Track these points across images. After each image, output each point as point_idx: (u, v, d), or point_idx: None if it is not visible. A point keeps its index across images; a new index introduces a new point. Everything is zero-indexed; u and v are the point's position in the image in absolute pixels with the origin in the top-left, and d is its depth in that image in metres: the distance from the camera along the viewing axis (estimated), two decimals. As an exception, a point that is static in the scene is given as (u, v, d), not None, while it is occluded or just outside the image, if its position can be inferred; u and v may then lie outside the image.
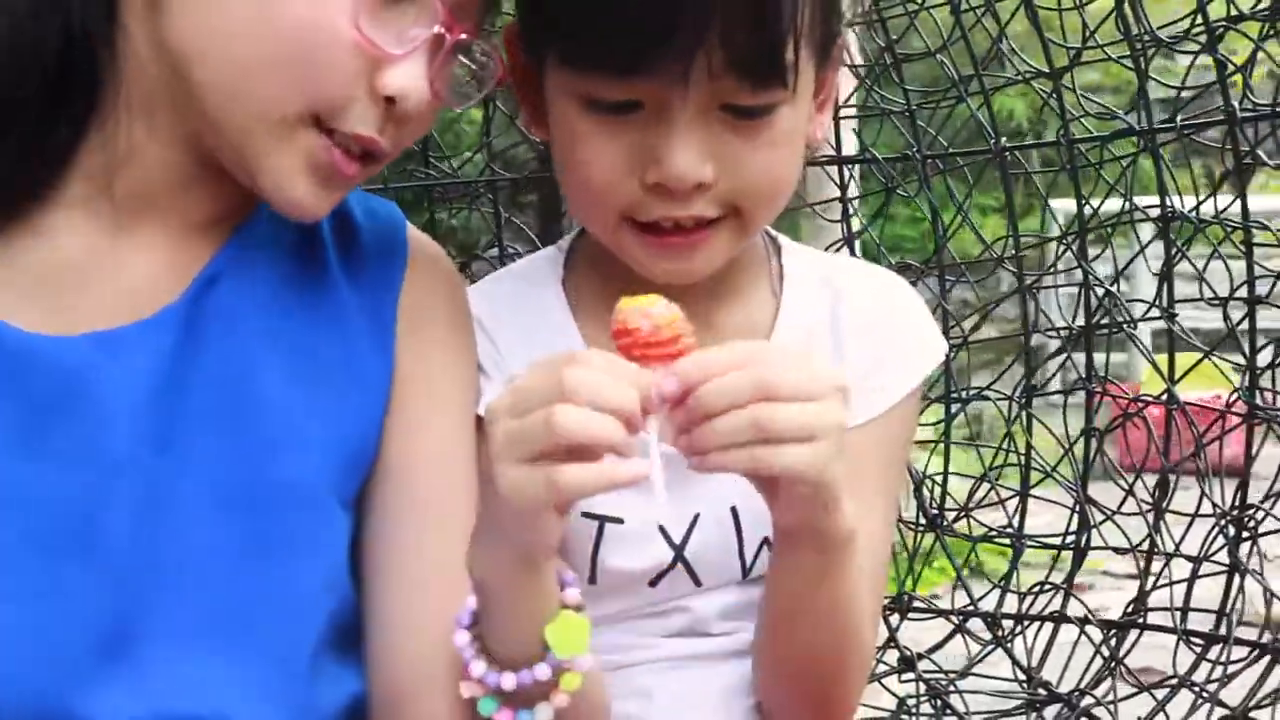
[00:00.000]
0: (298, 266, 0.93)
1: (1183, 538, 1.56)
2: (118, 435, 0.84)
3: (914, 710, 1.65)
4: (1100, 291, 1.57)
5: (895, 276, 1.13)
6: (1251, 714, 1.42)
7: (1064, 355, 1.61)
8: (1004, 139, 1.58)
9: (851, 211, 1.78)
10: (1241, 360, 1.43)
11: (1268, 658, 1.44)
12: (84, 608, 0.82)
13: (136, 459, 0.84)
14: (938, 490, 1.75)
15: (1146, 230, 1.51)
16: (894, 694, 1.70)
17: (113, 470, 0.83)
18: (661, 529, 1.01)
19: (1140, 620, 1.56)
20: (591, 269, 1.06)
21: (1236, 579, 1.48)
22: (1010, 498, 1.69)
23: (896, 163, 1.72)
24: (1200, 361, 1.52)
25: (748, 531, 1.01)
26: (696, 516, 1.01)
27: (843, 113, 1.73)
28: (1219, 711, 1.43)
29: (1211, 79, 1.36)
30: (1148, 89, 1.45)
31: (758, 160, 0.92)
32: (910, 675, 1.69)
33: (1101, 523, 1.61)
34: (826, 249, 1.80)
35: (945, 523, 1.74)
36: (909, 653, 1.71)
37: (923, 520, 1.76)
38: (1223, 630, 1.49)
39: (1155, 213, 1.49)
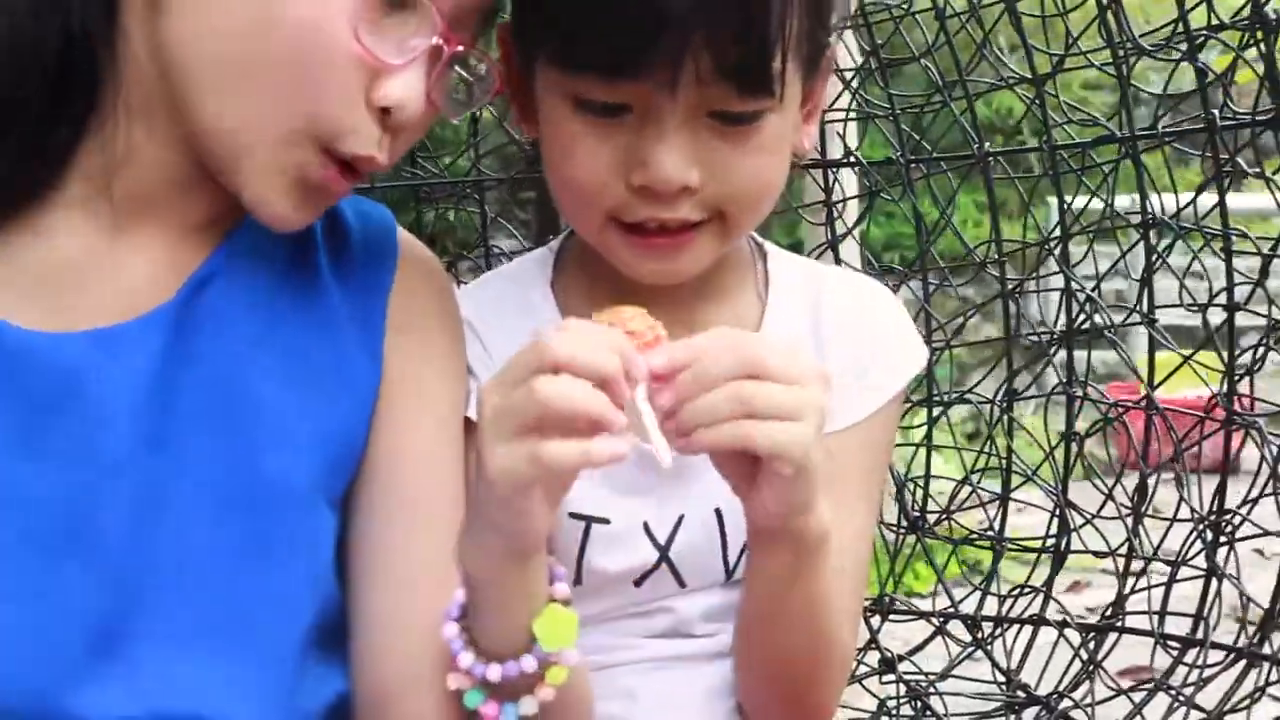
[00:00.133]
0: (290, 268, 0.93)
1: (1161, 541, 1.57)
2: (114, 434, 0.84)
3: (894, 712, 1.66)
4: (1083, 296, 1.58)
5: (877, 284, 1.14)
6: (1227, 717, 1.43)
7: (1045, 359, 1.62)
8: (988, 143, 1.59)
9: (837, 215, 1.78)
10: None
11: (1244, 661, 1.45)
12: (79, 607, 0.82)
13: (132, 458, 0.84)
14: (920, 493, 1.76)
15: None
16: (874, 695, 1.71)
17: (109, 469, 0.84)
18: (647, 530, 1.01)
19: (1119, 623, 1.57)
20: (580, 270, 1.06)
21: (1214, 583, 1.49)
22: (991, 501, 1.70)
23: (881, 166, 1.73)
24: (1180, 366, 1.53)
25: (731, 533, 1.02)
26: (681, 518, 1.02)
27: (828, 116, 1.74)
28: (1195, 715, 1.44)
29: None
30: (1129, 96, 1.46)
31: (743, 166, 0.93)
32: (891, 677, 1.70)
33: (1081, 526, 1.62)
34: (821, 248, 1.81)
35: (926, 525, 1.75)
36: (890, 654, 1.72)
37: (904, 523, 1.77)
38: (1200, 634, 1.50)
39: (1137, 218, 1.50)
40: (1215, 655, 1.48)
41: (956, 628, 1.72)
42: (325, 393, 0.92)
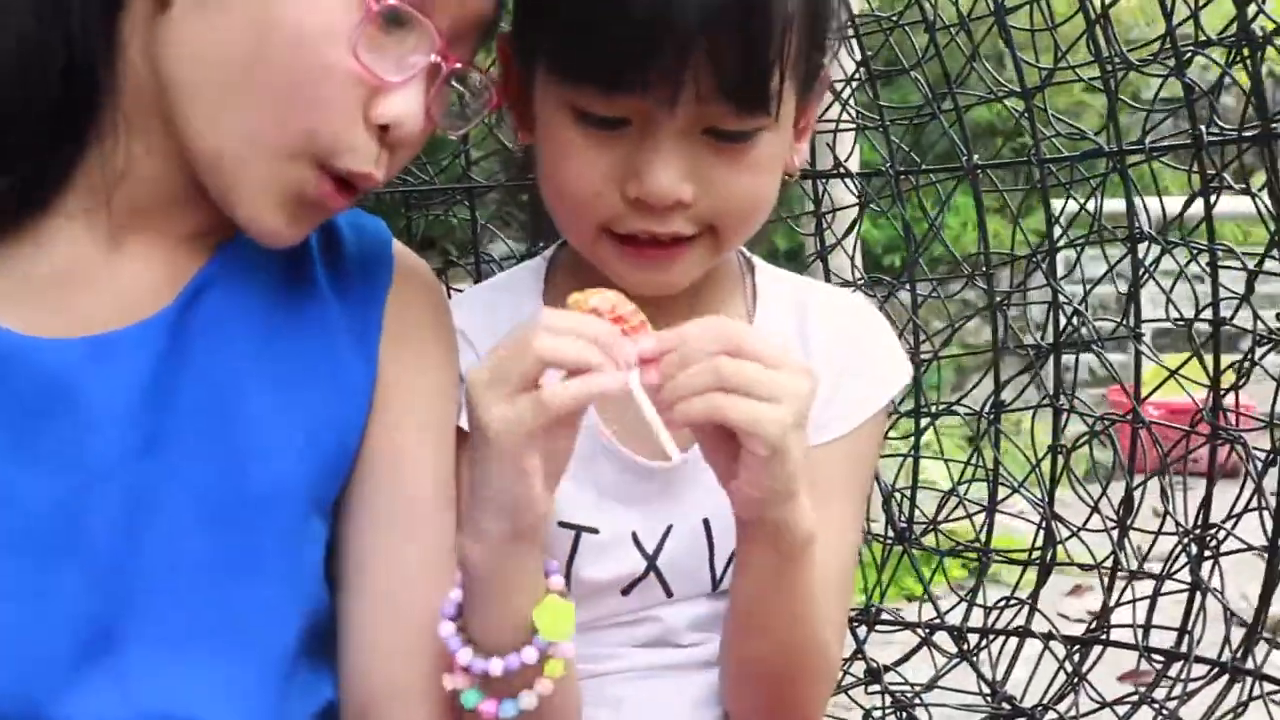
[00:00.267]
0: (285, 278, 0.93)
1: (1146, 554, 1.57)
2: (104, 439, 0.84)
3: (879, 722, 1.66)
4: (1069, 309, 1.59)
5: (863, 300, 1.15)
6: (1210, 731, 1.44)
7: (1032, 371, 1.62)
8: (988, 146, 1.59)
9: (826, 225, 1.79)
10: (1236, 357, 1.44)
11: (1227, 676, 1.45)
12: (68, 610, 0.82)
13: (122, 463, 0.84)
14: (907, 504, 1.76)
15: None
16: (860, 705, 1.71)
17: (98, 474, 0.84)
18: (635, 539, 1.02)
19: (1103, 636, 1.58)
20: (572, 280, 1.07)
21: (1198, 597, 1.50)
22: (977, 513, 1.71)
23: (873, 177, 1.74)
24: (1166, 380, 1.53)
25: (719, 543, 1.02)
26: (670, 527, 1.02)
27: (818, 126, 1.74)
28: (1179, 728, 1.44)
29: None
30: (1117, 110, 1.46)
31: (737, 183, 0.94)
32: (876, 687, 1.70)
33: (1067, 539, 1.62)
34: (811, 259, 1.81)
35: (913, 536, 1.75)
36: (875, 665, 1.72)
37: (891, 534, 1.77)
38: (1184, 648, 1.50)
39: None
40: (1199, 669, 1.48)
41: (943, 639, 1.72)
42: (319, 401, 0.92)
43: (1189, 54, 1.37)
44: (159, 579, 0.85)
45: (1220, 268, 1.41)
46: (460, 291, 1.18)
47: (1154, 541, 1.55)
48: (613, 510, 1.01)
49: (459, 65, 0.88)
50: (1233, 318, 1.41)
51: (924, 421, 1.74)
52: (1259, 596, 1.43)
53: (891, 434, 1.79)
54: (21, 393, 0.83)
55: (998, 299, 1.63)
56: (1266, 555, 1.40)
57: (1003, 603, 1.67)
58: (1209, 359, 1.45)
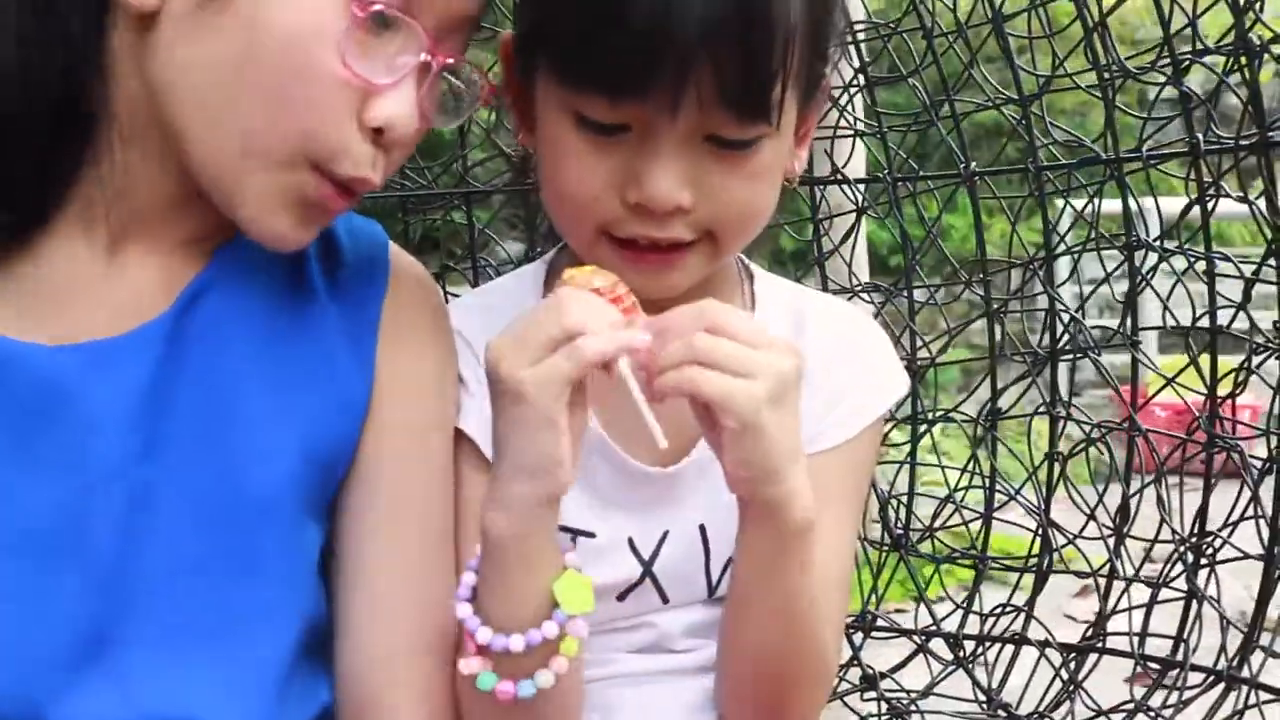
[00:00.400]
0: (281, 282, 0.94)
1: (1143, 561, 1.57)
2: (104, 444, 0.84)
3: (875, 729, 1.66)
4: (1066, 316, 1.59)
5: (861, 311, 1.15)
6: (1207, 739, 1.44)
7: (1029, 379, 1.62)
8: (991, 147, 1.59)
9: (824, 231, 1.79)
10: (1241, 356, 1.44)
11: (1223, 684, 1.45)
12: (65, 611, 0.83)
13: (122, 467, 0.85)
14: (903, 511, 1.76)
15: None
16: (856, 712, 1.71)
17: (98, 478, 0.84)
18: (631, 545, 1.02)
19: (1099, 644, 1.58)
20: None
21: (1194, 605, 1.50)
22: (974, 520, 1.70)
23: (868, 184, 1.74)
24: (1164, 388, 1.53)
25: (715, 550, 1.02)
26: (666, 533, 1.02)
27: (815, 133, 1.74)
28: (1176, 736, 1.44)
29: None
30: (1115, 118, 1.46)
31: (736, 191, 0.94)
32: (872, 694, 1.70)
33: (1063, 546, 1.62)
34: (810, 264, 1.81)
35: (909, 543, 1.75)
36: (871, 671, 1.72)
37: (887, 540, 1.77)
38: (1179, 656, 1.50)
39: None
40: (1195, 677, 1.48)
41: (939, 645, 1.72)
42: (315, 403, 0.92)
43: (1187, 62, 1.37)
44: (158, 581, 0.85)
45: (1218, 276, 1.41)
46: (457, 296, 1.18)
47: (1149, 549, 1.55)
48: (610, 515, 1.01)
49: (449, 61, 0.88)
50: (1230, 324, 1.41)
51: (921, 428, 1.74)
52: (1255, 604, 1.43)
53: (894, 437, 1.79)
54: (22, 399, 0.83)
55: (995, 305, 1.63)
56: (1263, 563, 1.40)
57: (999, 610, 1.67)
58: (1206, 366, 1.45)
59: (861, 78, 1.68)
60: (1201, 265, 1.44)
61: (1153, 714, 1.48)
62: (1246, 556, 1.45)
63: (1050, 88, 1.53)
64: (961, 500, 1.69)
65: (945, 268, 1.74)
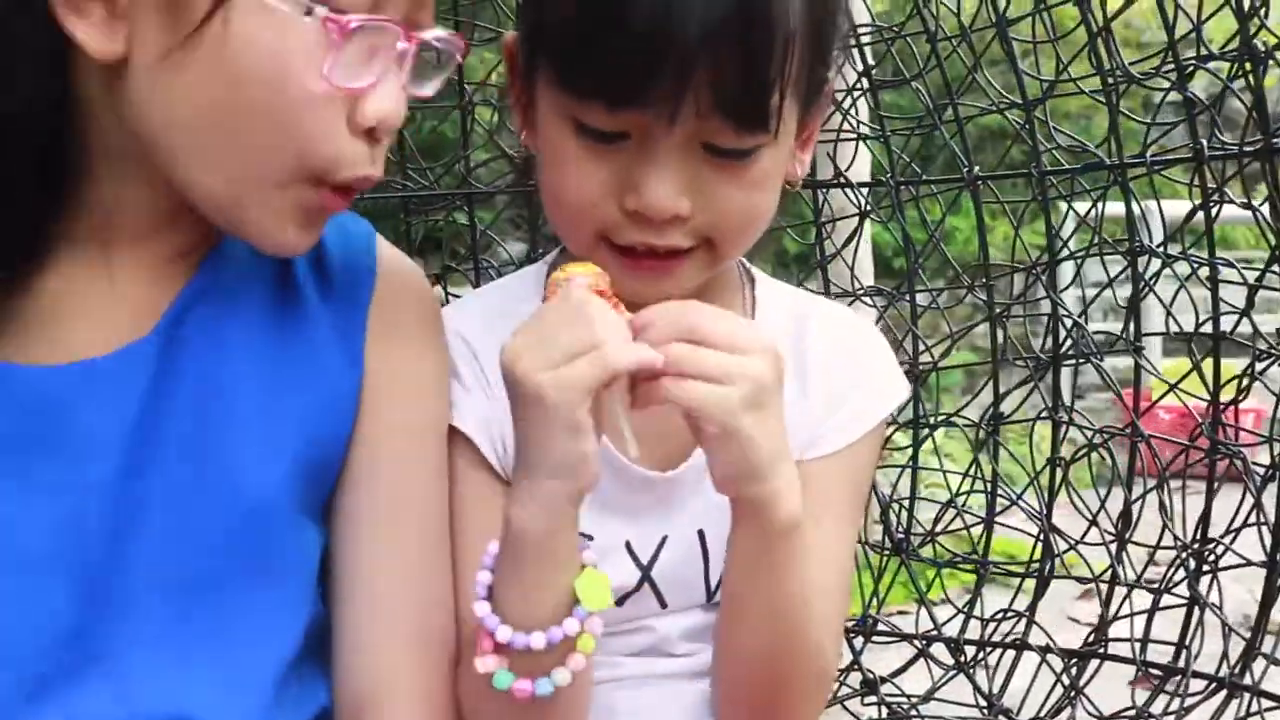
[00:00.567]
0: (270, 286, 0.94)
1: (1145, 567, 1.57)
2: (100, 459, 0.85)
3: (875, 733, 1.66)
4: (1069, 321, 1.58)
5: (861, 317, 1.15)
6: (1207, 747, 1.43)
7: (1031, 384, 1.62)
8: (980, 164, 1.59)
9: (826, 235, 1.78)
10: (1243, 361, 1.44)
11: (1225, 691, 1.45)
12: (53, 617, 0.83)
13: (118, 480, 0.85)
14: (905, 515, 1.76)
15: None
16: (856, 716, 1.70)
17: (95, 492, 0.85)
18: (629, 549, 1.02)
19: (1100, 650, 1.57)
20: None
21: (1196, 612, 1.49)
22: (976, 524, 1.70)
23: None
24: (1167, 393, 1.53)
25: (714, 555, 1.02)
26: (665, 538, 1.02)
27: (818, 136, 1.73)
28: (1177, 743, 1.44)
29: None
30: (1119, 123, 1.46)
31: (735, 199, 0.94)
32: (873, 698, 1.70)
33: (1065, 552, 1.62)
34: (813, 268, 1.81)
35: (910, 547, 1.75)
36: (872, 676, 1.72)
37: (889, 544, 1.77)
38: (1181, 662, 1.50)
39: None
40: (1197, 684, 1.48)
41: (940, 650, 1.72)
42: (306, 405, 0.92)
43: (1191, 68, 1.37)
44: (154, 588, 0.85)
45: (1221, 282, 1.40)
46: (459, 297, 1.18)
47: (1152, 555, 1.55)
48: (607, 520, 1.01)
49: (425, 37, 0.87)
50: (1234, 330, 1.41)
51: (924, 432, 1.73)
52: (1257, 611, 1.42)
53: (898, 439, 1.79)
54: (19, 421, 0.84)
55: (997, 310, 1.63)
56: (1265, 570, 1.39)
57: (1001, 615, 1.67)
58: (1209, 371, 1.45)
59: (865, 81, 1.68)
60: (1205, 270, 1.43)
61: (1154, 720, 1.48)
62: (1249, 563, 1.44)
63: (1054, 92, 1.52)
64: (963, 505, 1.68)
65: (948, 271, 1.73)
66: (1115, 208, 1.54)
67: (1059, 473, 1.62)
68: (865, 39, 1.68)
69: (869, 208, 1.73)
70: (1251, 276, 1.38)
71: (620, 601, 1.02)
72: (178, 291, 0.90)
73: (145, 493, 0.86)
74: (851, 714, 1.71)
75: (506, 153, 1.81)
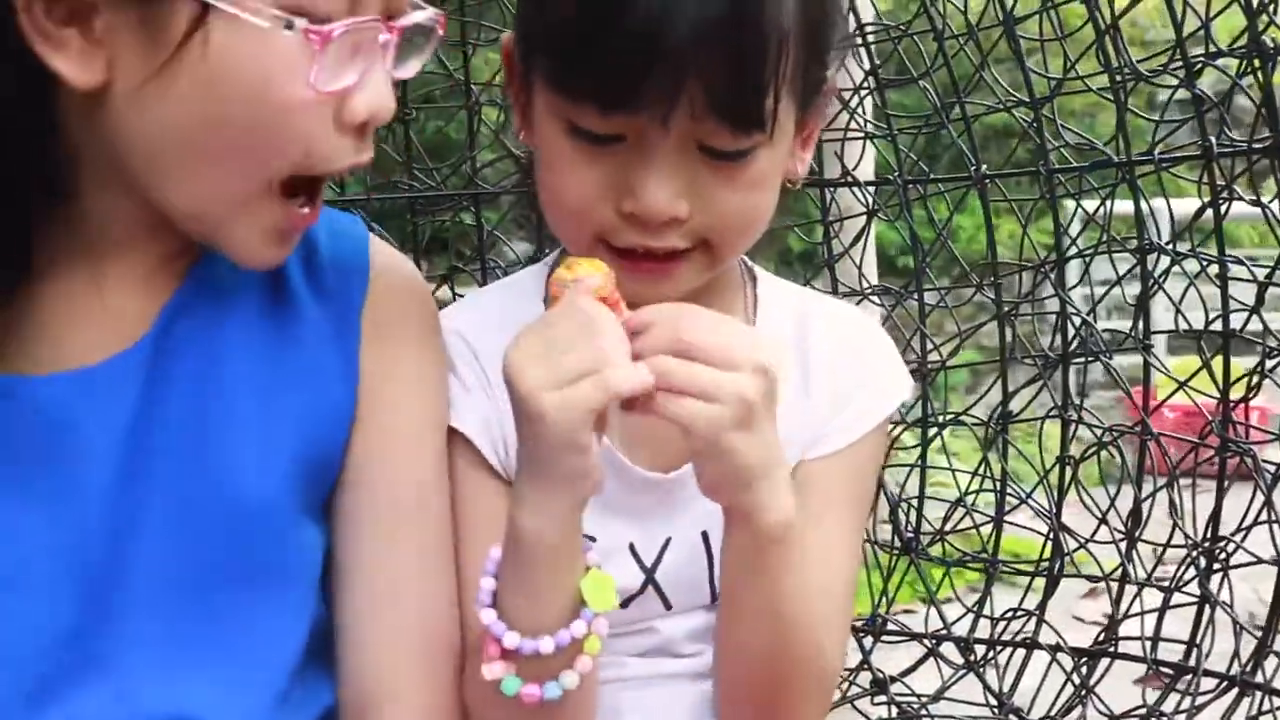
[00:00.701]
0: (261, 288, 0.94)
1: (1156, 565, 1.56)
2: (97, 468, 0.85)
3: (885, 733, 1.66)
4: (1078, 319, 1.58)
5: (865, 315, 1.14)
6: (1220, 746, 1.43)
7: (1040, 383, 1.61)
8: (986, 163, 1.59)
9: (834, 234, 1.78)
10: (1250, 359, 1.44)
11: (1236, 690, 1.45)
12: (62, 627, 0.84)
13: (116, 487, 0.85)
14: (914, 513, 1.76)
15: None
16: (866, 716, 1.70)
17: (94, 500, 0.85)
18: (633, 550, 1.01)
19: (1111, 649, 1.57)
20: None
21: (1207, 610, 1.49)
22: (985, 523, 1.70)
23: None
24: (1175, 392, 1.53)
25: (718, 556, 1.01)
26: (668, 540, 1.02)
27: (825, 135, 1.73)
28: (1188, 742, 1.44)
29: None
30: (1127, 120, 1.46)
31: (732, 200, 0.93)
32: (882, 698, 1.70)
33: (1075, 550, 1.62)
34: (820, 267, 1.81)
35: (920, 546, 1.75)
36: (882, 675, 1.72)
37: (897, 544, 1.76)
38: (1192, 661, 1.49)
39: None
40: (1208, 682, 1.48)
41: (950, 649, 1.71)
42: (302, 406, 0.92)
43: (1199, 65, 1.36)
44: (155, 589, 0.86)
45: (1230, 279, 1.40)
46: (464, 297, 1.18)
47: (1162, 554, 1.54)
48: (610, 521, 1.00)
49: (405, 23, 0.86)
50: (1244, 328, 1.40)
51: (932, 431, 1.73)
52: (1269, 609, 1.42)
53: (905, 440, 1.79)
54: (16, 433, 0.84)
55: (1006, 308, 1.62)
56: (1277, 568, 1.39)
57: (1010, 614, 1.66)
58: (1219, 368, 1.44)
59: (872, 80, 1.68)
60: (1212, 269, 1.43)
61: (1165, 719, 1.47)
62: (1260, 561, 1.44)
63: (1061, 91, 1.52)
64: (973, 504, 1.68)
65: (953, 269, 1.73)
66: (1122, 207, 1.54)
67: (1068, 471, 1.62)
68: (872, 38, 1.68)
69: (876, 206, 1.73)
70: (1261, 274, 1.38)
71: (625, 604, 1.01)
72: (167, 298, 0.90)
73: (144, 495, 0.86)
74: (861, 713, 1.71)
75: (513, 152, 1.81)
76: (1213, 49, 1.34)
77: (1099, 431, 1.58)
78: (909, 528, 1.75)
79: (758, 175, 0.93)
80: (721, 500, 0.88)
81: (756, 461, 0.85)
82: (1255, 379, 1.40)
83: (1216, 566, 1.49)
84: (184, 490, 0.87)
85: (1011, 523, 1.68)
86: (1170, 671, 1.52)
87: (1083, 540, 1.59)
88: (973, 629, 1.69)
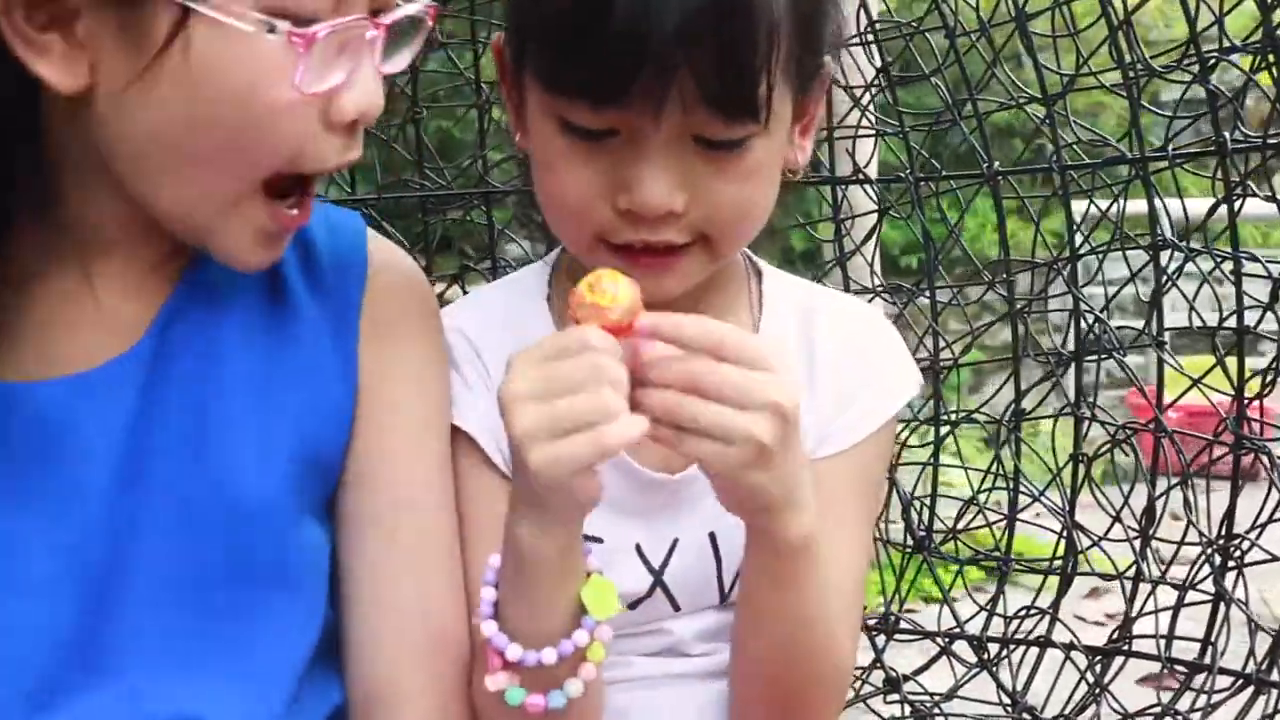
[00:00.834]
0: (257, 286, 0.93)
1: (1170, 563, 1.56)
2: (97, 473, 0.85)
3: (898, 731, 1.66)
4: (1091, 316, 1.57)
5: (871, 309, 1.13)
6: (1235, 745, 1.43)
7: (1053, 380, 1.61)
8: (996, 161, 1.59)
9: (845, 231, 1.78)
10: (1262, 357, 1.43)
11: (1251, 688, 1.44)
12: (65, 634, 0.84)
13: (116, 491, 0.85)
14: (926, 511, 1.75)
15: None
16: (879, 715, 1.70)
17: (95, 505, 0.85)
18: (639, 551, 1.01)
19: (1125, 647, 1.56)
20: (573, 283, 1.06)
21: (1221, 608, 1.48)
22: (998, 521, 1.69)
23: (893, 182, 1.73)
24: (1189, 390, 1.52)
25: (726, 557, 1.01)
26: (675, 541, 1.01)
27: (838, 133, 1.73)
28: (1203, 741, 1.43)
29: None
30: (1139, 116, 1.45)
31: (729, 192, 0.92)
32: (895, 696, 1.70)
33: (1089, 548, 1.61)
34: (830, 265, 1.80)
35: (932, 545, 1.74)
36: (894, 674, 1.71)
37: (910, 542, 1.76)
38: (1207, 659, 1.49)
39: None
40: (1223, 680, 1.47)
41: (962, 648, 1.71)
42: (302, 405, 0.92)
43: (1213, 60, 1.36)
44: (157, 590, 0.85)
45: (1244, 276, 1.40)
46: (472, 296, 1.17)
47: (1176, 551, 1.54)
48: (617, 522, 1.00)
49: (392, 19, 0.85)
50: (1258, 325, 1.40)
51: (944, 430, 1.73)
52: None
53: (911, 441, 1.78)
54: (15, 439, 0.84)
55: (1018, 305, 1.62)
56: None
57: (1023, 612, 1.66)
58: (1233, 366, 1.44)
59: (883, 78, 1.68)
60: (1226, 266, 1.42)
61: (1180, 718, 1.47)
62: (1275, 559, 1.44)
63: (1074, 87, 1.52)
64: (985, 502, 1.68)
65: (958, 267, 1.73)
66: (1134, 205, 1.53)
67: (1081, 469, 1.61)
68: (883, 34, 1.68)
69: (887, 204, 1.72)
70: (1276, 270, 1.37)
71: (633, 606, 1.01)
72: (163, 300, 0.90)
73: (144, 496, 0.86)
74: (874, 712, 1.71)
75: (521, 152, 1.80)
76: (1226, 44, 1.33)
77: (1112, 429, 1.58)
78: (921, 526, 1.75)
79: (754, 165, 0.92)
80: (742, 518, 0.87)
81: (778, 494, 0.84)
82: (1271, 376, 1.39)
83: (1231, 564, 1.48)
84: (184, 490, 0.86)
85: (1025, 521, 1.67)
86: (1185, 670, 1.51)
87: (1096, 538, 1.58)
88: (985, 627, 1.69)
